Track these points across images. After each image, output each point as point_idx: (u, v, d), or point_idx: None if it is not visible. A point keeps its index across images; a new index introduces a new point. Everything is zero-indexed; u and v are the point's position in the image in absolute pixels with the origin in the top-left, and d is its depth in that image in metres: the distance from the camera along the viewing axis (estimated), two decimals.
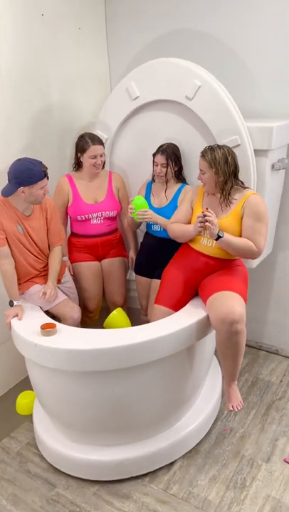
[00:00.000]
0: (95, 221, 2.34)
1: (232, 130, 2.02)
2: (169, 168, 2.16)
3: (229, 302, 1.78)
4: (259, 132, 2.04)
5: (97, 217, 2.33)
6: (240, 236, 1.90)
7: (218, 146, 1.89)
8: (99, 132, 2.44)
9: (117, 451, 1.94)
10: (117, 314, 2.28)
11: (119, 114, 2.35)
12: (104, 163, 2.33)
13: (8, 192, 1.89)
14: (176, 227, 2.05)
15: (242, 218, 1.89)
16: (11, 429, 2.28)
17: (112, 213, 2.36)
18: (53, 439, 2.02)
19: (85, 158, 2.25)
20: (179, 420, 2.07)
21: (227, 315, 1.75)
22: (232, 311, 1.75)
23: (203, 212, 1.83)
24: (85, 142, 2.23)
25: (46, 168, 1.91)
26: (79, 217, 2.33)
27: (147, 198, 2.29)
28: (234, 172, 1.89)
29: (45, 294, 2.01)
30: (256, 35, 2.26)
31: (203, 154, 1.88)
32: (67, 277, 2.30)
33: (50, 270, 2.13)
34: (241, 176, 2.02)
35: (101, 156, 2.26)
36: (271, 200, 2.26)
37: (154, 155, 2.19)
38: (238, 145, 2.03)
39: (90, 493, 1.92)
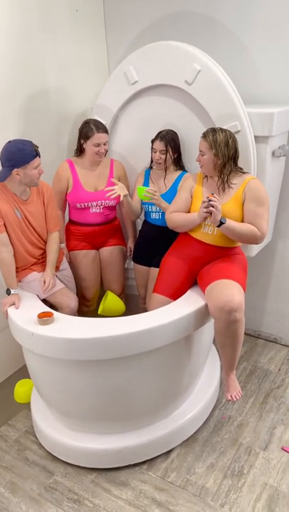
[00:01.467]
0: (94, 209, 2.31)
1: (232, 116, 1.98)
2: (167, 154, 2.12)
3: (228, 291, 1.77)
4: (260, 118, 2.00)
5: (96, 205, 2.30)
6: (242, 221, 1.88)
7: (221, 128, 1.87)
8: (97, 118, 2.39)
9: (115, 439, 1.94)
10: (110, 298, 2.27)
11: (118, 100, 2.31)
12: (107, 151, 2.29)
13: (3, 176, 1.86)
14: (178, 216, 2.01)
15: (243, 204, 1.87)
16: (9, 417, 2.28)
17: (111, 202, 2.32)
18: (51, 427, 2.02)
19: (88, 146, 2.20)
20: (177, 409, 2.07)
21: (226, 303, 1.74)
22: (231, 299, 1.74)
23: (208, 197, 1.81)
24: (89, 129, 2.18)
25: (37, 147, 1.89)
26: (78, 205, 2.29)
27: (146, 185, 2.26)
28: (234, 156, 1.87)
29: (44, 282, 2.01)
30: (258, 19, 2.21)
31: (205, 135, 1.86)
32: (65, 265, 2.28)
33: (47, 258, 2.10)
34: (241, 163, 1.99)
35: (105, 144, 2.21)
36: (271, 188, 2.23)
37: (153, 141, 2.15)
38: (238, 131, 1.99)
39: (88, 481, 1.93)
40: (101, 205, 2.30)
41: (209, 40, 2.34)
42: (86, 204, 2.29)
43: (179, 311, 1.81)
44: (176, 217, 2.01)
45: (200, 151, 1.90)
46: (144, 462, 1.99)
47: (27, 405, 2.30)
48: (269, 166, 2.11)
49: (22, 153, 1.82)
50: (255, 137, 2.02)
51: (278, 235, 2.54)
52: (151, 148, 2.17)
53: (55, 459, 2.03)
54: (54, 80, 2.43)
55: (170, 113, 2.20)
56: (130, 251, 2.50)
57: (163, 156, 2.13)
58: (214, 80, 1.99)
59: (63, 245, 2.36)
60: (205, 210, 1.82)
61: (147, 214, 2.29)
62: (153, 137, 2.15)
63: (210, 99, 2.03)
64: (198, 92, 2.05)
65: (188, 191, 2.02)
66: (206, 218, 1.89)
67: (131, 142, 2.39)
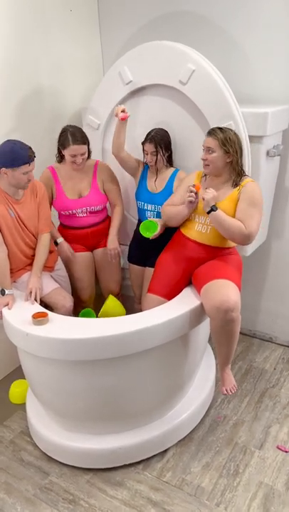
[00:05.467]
0: (80, 215, 2.29)
1: (226, 115, 1.99)
2: (159, 155, 2.11)
3: (224, 290, 1.77)
4: (254, 118, 2.01)
5: (82, 211, 2.28)
6: None
7: (225, 127, 1.89)
8: (90, 118, 2.39)
9: (111, 439, 1.94)
10: (110, 302, 2.26)
11: (112, 99, 2.30)
12: (90, 154, 2.24)
13: None
14: (170, 208, 2.04)
15: (237, 203, 1.88)
16: (4, 418, 2.27)
17: (97, 208, 2.30)
18: (47, 428, 2.01)
19: (66, 154, 2.16)
20: (172, 408, 2.07)
21: (222, 303, 1.74)
22: (226, 299, 1.74)
23: (194, 184, 1.88)
24: (65, 139, 2.12)
25: (33, 154, 1.87)
26: (63, 212, 2.29)
27: (143, 182, 2.24)
28: (241, 154, 1.89)
29: (30, 293, 1.96)
30: (252, 18, 2.21)
31: (213, 133, 1.85)
32: (60, 265, 2.27)
33: (35, 261, 2.07)
34: None
35: (82, 154, 2.15)
36: (266, 188, 2.23)
37: (143, 143, 2.13)
38: None
39: (84, 481, 1.92)
40: (86, 210, 2.29)
41: (203, 39, 2.34)
42: (71, 211, 2.27)
43: (174, 311, 1.81)
44: (168, 209, 2.05)
45: (208, 147, 1.86)
46: (139, 462, 1.99)
47: (22, 406, 2.29)
48: (263, 165, 2.12)
49: (14, 156, 1.81)
50: (250, 137, 2.03)
51: (273, 235, 2.55)
52: (143, 150, 2.15)
53: (50, 459, 2.02)
54: (48, 80, 2.43)
55: (164, 113, 2.20)
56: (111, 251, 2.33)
57: (154, 158, 2.11)
58: (208, 79, 1.99)
59: (61, 240, 2.31)
60: (189, 194, 1.89)
61: (142, 213, 2.29)
62: (146, 137, 2.14)
63: (204, 99, 2.03)
64: (192, 92, 2.05)
65: (185, 189, 2.01)
66: (192, 206, 1.93)
67: (126, 142, 2.38)
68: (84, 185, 2.27)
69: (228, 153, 1.84)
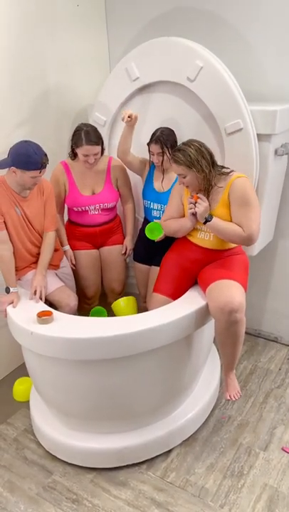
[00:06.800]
0: (92, 212, 2.28)
1: (235, 113, 1.96)
2: (165, 156, 2.07)
3: (228, 291, 1.75)
4: (262, 116, 1.98)
5: (94, 208, 2.27)
6: None
7: (184, 143, 1.82)
8: (97, 114, 2.37)
9: (115, 438, 1.93)
10: (127, 303, 2.24)
11: (119, 96, 2.28)
12: (103, 151, 2.22)
13: (2, 164, 1.84)
14: (172, 223, 1.99)
15: (230, 206, 1.83)
16: (7, 416, 2.26)
17: (110, 205, 2.29)
18: (50, 427, 2.00)
19: (79, 152, 2.14)
20: (177, 408, 2.06)
21: (226, 304, 1.72)
22: (231, 300, 1.72)
23: (192, 196, 1.83)
24: (78, 138, 2.09)
25: (47, 162, 1.85)
26: (75, 209, 2.27)
27: (150, 181, 2.22)
28: (212, 161, 1.82)
29: (35, 291, 1.94)
30: (261, 13, 2.18)
31: (176, 159, 1.79)
32: (65, 263, 2.26)
33: (40, 259, 2.05)
34: (243, 162, 1.98)
35: (95, 154, 2.12)
36: (273, 187, 2.21)
37: (149, 144, 2.10)
38: (240, 129, 1.97)
39: (87, 481, 1.92)
40: (99, 207, 2.27)
41: (212, 36, 2.31)
42: (84, 208, 2.26)
43: (179, 311, 1.79)
44: (170, 224, 2.00)
45: (179, 175, 1.83)
46: (143, 462, 1.98)
47: (26, 404, 2.28)
48: (271, 164, 2.09)
49: (27, 159, 1.79)
50: (258, 135, 2.00)
51: (279, 234, 2.52)
52: (148, 150, 2.12)
53: (54, 458, 2.01)
54: (54, 76, 2.41)
55: (172, 110, 2.18)
56: (126, 249, 2.43)
57: (161, 158, 2.08)
58: (217, 76, 1.97)
59: (67, 247, 2.33)
60: (190, 211, 1.83)
61: (148, 212, 2.27)
62: (151, 137, 2.11)
63: (212, 97, 2.00)
64: (200, 89, 2.02)
65: (179, 198, 1.99)
66: (195, 218, 1.88)
67: (132, 138, 2.36)
68: (98, 181, 2.26)
69: (198, 170, 1.78)
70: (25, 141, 1.84)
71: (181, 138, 2.15)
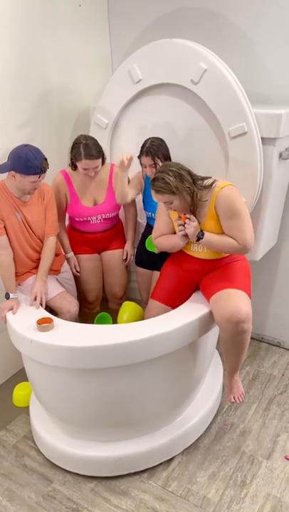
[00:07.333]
0: (94, 221, 2.24)
1: (239, 117, 1.93)
2: (158, 167, 1.97)
3: (234, 301, 1.71)
4: (267, 119, 1.94)
5: (96, 218, 2.23)
6: None
7: (161, 169, 1.73)
8: (99, 117, 2.33)
9: (116, 446, 1.90)
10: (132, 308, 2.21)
11: (121, 98, 2.25)
12: (104, 161, 2.16)
13: (2, 168, 1.82)
14: (164, 241, 1.94)
15: (219, 218, 1.78)
16: (7, 422, 2.24)
17: (112, 214, 2.26)
18: (50, 434, 1.98)
19: (78, 166, 2.09)
20: (179, 416, 2.03)
21: (233, 314, 1.68)
22: (237, 310, 1.68)
23: (179, 217, 1.78)
24: (78, 152, 2.04)
25: (47, 166, 1.82)
26: (77, 219, 2.24)
27: (148, 193, 2.17)
28: (192, 179, 1.74)
29: (35, 298, 1.92)
30: (266, 15, 2.14)
31: (158, 190, 1.71)
32: (66, 267, 2.23)
33: (40, 264, 2.02)
34: (247, 166, 1.95)
35: (95, 167, 2.07)
36: (277, 191, 2.18)
37: (139, 157, 2.04)
38: (244, 133, 1.93)
39: (87, 490, 1.89)
40: (101, 218, 2.24)
41: (216, 37, 2.28)
42: (86, 218, 2.23)
43: (183, 318, 1.76)
44: (162, 242, 1.95)
45: (164, 203, 1.76)
46: (144, 470, 1.96)
47: (26, 409, 2.26)
48: (276, 168, 2.05)
49: (26, 164, 1.76)
50: (262, 139, 1.97)
51: (283, 238, 2.49)
52: (140, 163, 2.06)
53: (54, 466, 1.99)
54: (56, 77, 2.37)
55: (175, 113, 2.14)
56: (126, 255, 2.39)
57: (154, 170, 2.01)
58: (221, 79, 1.93)
59: (71, 255, 2.30)
60: (180, 230, 1.79)
61: (150, 221, 2.24)
62: (141, 149, 2.05)
63: (216, 100, 1.97)
64: (204, 92, 1.99)
65: (166, 214, 1.93)
66: (187, 237, 1.83)
67: (134, 142, 2.32)
68: (100, 192, 2.21)
69: (183, 194, 1.71)
70: (25, 145, 1.80)
71: (184, 141, 2.13)
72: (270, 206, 2.14)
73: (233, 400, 1.94)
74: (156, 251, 2.11)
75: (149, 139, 2.04)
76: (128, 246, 2.39)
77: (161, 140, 2.05)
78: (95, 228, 2.27)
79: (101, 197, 2.22)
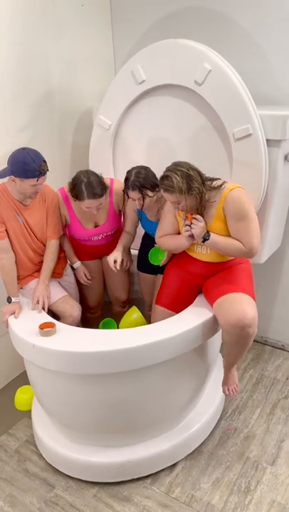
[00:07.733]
0: (95, 239, 2.18)
1: (244, 118, 1.90)
2: (147, 198, 1.92)
3: (240, 305, 1.69)
4: (272, 121, 1.91)
5: (98, 236, 2.17)
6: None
7: (168, 169, 1.69)
8: (102, 118, 2.31)
9: (118, 452, 1.88)
10: (134, 315, 2.18)
11: (124, 99, 2.22)
12: (106, 189, 1.98)
13: (1, 174, 1.79)
14: (168, 241, 1.90)
15: (226, 220, 1.75)
16: (9, 426, 2.22)
17: (114, 231, 2.20)
18: (52, 439, 1.96)
19: (81, 205, 1.97)
20: (182, 421, 2.01)
21: (239, 319, 1.66)
22: (243, 314, 1.66)
23: (186, 217, 1.75)
24: (79, 192, 1.89)
25: (46, 169, 1.79)
26: (77, 237, 2.18)
27: (143, 217, 2.13)
28: (202, 180, 1.71)
29: (38, 302, 1.90)
30: (272, 15, 2.12)
31: (166, 189, 1.68)
32: (68, 271, 2.21)
33: (43, 268, 2.00)
34: (252, 168, 1.92)
35: (99, 205, 1.96)
36: (282, 193, 2.15)
37: (125, 191, 1.96)
38: (249, 135, 1.91)
39: (90, 495, 1.87)
40: (103, 236, 2.18)
41: (221, 38, 2.25)
42: (86, 238, 2.17)
43: (186, 323, 1.74)
44: (166, 242, 1.91)
45: (172, 202, 1.73)
46: (147, 476, 1.94)
47: (28, 413, 2.24)
48: (281, 170, 2.03)
49: (25, 167, 1.74)
50: (267, 141, 1.94)
51: (288, 241, 2.46)
52: (127, 196, 1.97)
53: (56, 471, 1.97)
54: (58, 78, 2.35)
55: (178, 114, 2.12)
56: (114, 262, 2.10)
57: (142, 202, 1.94)
58: (225, 80, 1.90)
59: (78, 264, 2.25)
60: (187, 232, 1.76)
61: (151, 239, 2.20)
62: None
63: (220, 101, 1.94)
64: (208, 93, 1.96)
65: (173, 214, 1.90)
66: (192, 238, 1.80)
67: (137, 144, 2.30)
68: (101, 215, 2.11)
69: (192, 194, 1.68)
70: (23, 148, 1.78)
71: (187, 143, 2.10)
72: (274, 209, 2.11)
73: (227, 392, 1.92)
74: (160, 264, 2.07)
75: (133, 170, 1.93)
76: (117, 251, 2.12)
77: (146, 168, 1.94)
78: (95, 243, 2.22)
79: (102, 218, 2.14)
